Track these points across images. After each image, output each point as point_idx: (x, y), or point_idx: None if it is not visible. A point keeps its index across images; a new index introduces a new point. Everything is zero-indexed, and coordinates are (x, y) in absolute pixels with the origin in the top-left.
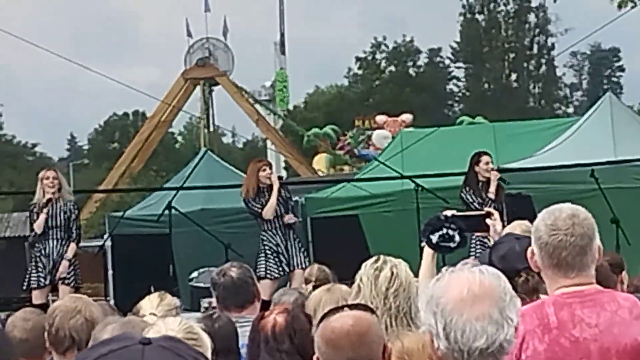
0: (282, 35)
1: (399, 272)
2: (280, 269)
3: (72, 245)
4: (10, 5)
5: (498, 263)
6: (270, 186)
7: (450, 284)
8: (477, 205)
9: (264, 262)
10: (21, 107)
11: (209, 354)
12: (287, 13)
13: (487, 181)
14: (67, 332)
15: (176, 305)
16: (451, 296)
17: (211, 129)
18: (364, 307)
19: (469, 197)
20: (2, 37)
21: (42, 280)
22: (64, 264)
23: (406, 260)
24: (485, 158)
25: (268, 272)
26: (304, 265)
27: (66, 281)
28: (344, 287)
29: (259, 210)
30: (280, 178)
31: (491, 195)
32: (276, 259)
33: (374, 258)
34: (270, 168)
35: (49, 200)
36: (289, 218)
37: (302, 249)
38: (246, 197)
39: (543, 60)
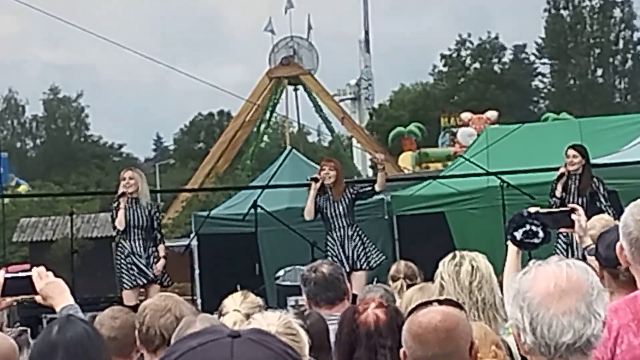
0: (367, 33)
1: (479, 264)
2: None
3: (162, 246)
4: (98, 7)
5: (604, 251)
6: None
7: (536, 277)
8: (554, 200)
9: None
10: (108, 108)
11: (306, 350)
12: (372, 10)
13: (575, 174)
14: (157, 330)
15: (259, 304)
16: (538, 290)
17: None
18: (453, 303)
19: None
20: (89, 38)
21: (138, 279)
22: (162, 262)
23: (493, 257)
24: (569, 152)
25: None
26: (361, 267)
27: (159, 280)
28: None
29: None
30: (315, 180)
31: (557, 194)
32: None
33: (450, 255)
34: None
35: (123, 194)
36: None
37: (365, 251)
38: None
39: (629, 55)
